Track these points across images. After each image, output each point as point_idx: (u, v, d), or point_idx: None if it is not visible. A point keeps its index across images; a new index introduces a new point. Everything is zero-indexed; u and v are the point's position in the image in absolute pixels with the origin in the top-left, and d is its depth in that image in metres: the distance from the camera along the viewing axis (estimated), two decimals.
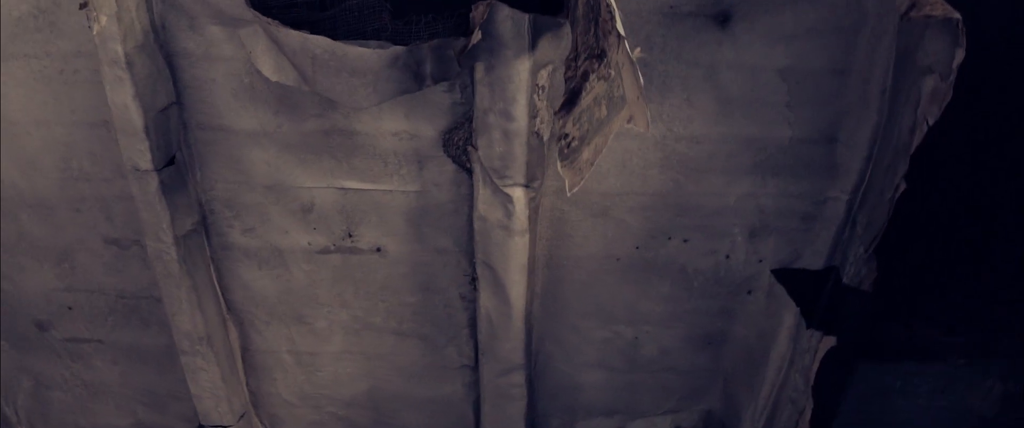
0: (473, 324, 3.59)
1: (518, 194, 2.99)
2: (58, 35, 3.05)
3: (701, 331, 3.63)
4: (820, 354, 3.11)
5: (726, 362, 3.72)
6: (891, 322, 3.45)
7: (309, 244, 3.42)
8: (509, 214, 3.04)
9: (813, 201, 3.21)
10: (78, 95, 3.15)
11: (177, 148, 3.18)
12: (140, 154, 3.03)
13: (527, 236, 3.11)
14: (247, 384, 3.96)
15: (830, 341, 3.04)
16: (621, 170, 3.15)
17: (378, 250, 3.42)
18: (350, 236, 3.39)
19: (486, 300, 3.32)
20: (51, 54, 3.09)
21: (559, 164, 2.73)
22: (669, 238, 3.34)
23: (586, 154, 2.51)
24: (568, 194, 2.65)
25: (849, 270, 3.22)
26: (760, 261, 3.39)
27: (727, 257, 3.38)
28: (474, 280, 3.37)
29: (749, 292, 3.49)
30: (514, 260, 3.16)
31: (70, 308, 3.76)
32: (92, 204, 3.41)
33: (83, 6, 2.73)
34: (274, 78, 2.86)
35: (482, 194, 3.03)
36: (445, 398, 3.92)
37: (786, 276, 3.37)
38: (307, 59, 2.68)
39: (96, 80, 3.02)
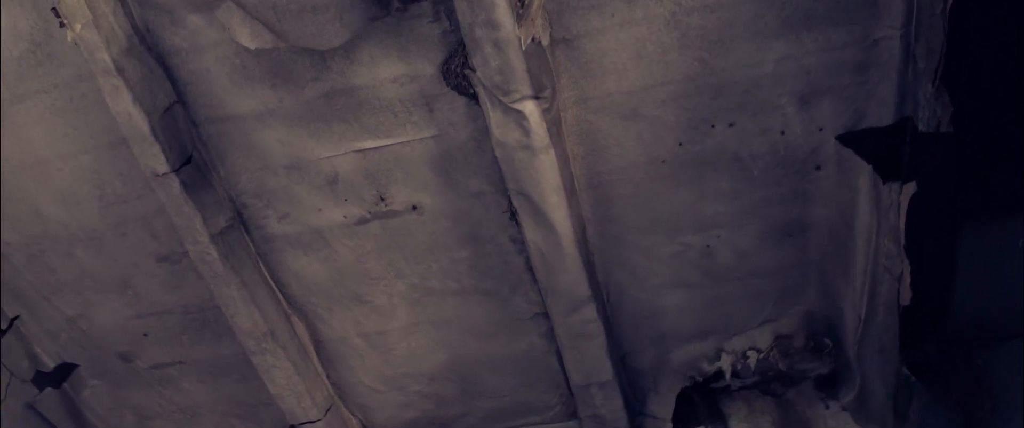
0: (531, 267, 3.39)
1: (529, 108, 2.78)
2: (58, 64, 3.09)
3: (776, 223, 3.29)
4: (904, 207, 2.73)
5: (812, 252, 3.35)
6: (990, 168, 3.01)
7: (345, 217, 3.32)
8: (526, 131, 2.83)
9: (861, 47, 2.83)
10: (91, 119, 3.18)
11: (192, 148, 3.15)
12: (154, 158, 3.02)
13: (552, 152, 2.89)
14: (328, 378, 3.92)
15: (911, 188, 2.66)
16: (638, 62, 2.89)
17: (414, 208, 3.29)
18: (382, 200, 3.28)
19: (531, 233, 3.12)
20: (57, 85, 3.14)
21: (518, 28, 2.51)
22: (712, 126, 3.04)
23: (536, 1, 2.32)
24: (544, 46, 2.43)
25: (922, 114, 2.82)
26: (820, 130, 3.03)
27: (782, 133, 3.05)
28: (514, 215, 3.17)
29: (817, 168, 3.13)
30: (546, 181, 2.95)
31: (145, 334, 3.82)
32: (134, 225, 3.44)
33: (54, 10, 2.74)
34: (253, 45, 2.78)
35: (494, 117, 2.84)
36: (525, 353, 3.74)
37: (854, 140, 3.00)
38: (271, 12, 2.59)
39: (102, 98, 3.03)
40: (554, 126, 2.90)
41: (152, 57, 2.98)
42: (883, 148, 2.98)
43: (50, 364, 3.93)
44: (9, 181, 3.40)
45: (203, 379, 3.98)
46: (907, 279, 2.79)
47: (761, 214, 3.28)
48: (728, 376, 3.72)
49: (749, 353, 3.66)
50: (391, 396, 3.95)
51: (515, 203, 3.07)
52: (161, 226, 3.42)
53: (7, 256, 3.63)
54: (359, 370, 3.86)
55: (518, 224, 3.16)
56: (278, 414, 4.00)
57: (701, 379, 3.78)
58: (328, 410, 3.83)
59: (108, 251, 3.53)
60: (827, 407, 3.75)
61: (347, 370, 3.87)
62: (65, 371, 3.98)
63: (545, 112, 2.81)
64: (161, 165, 3.03)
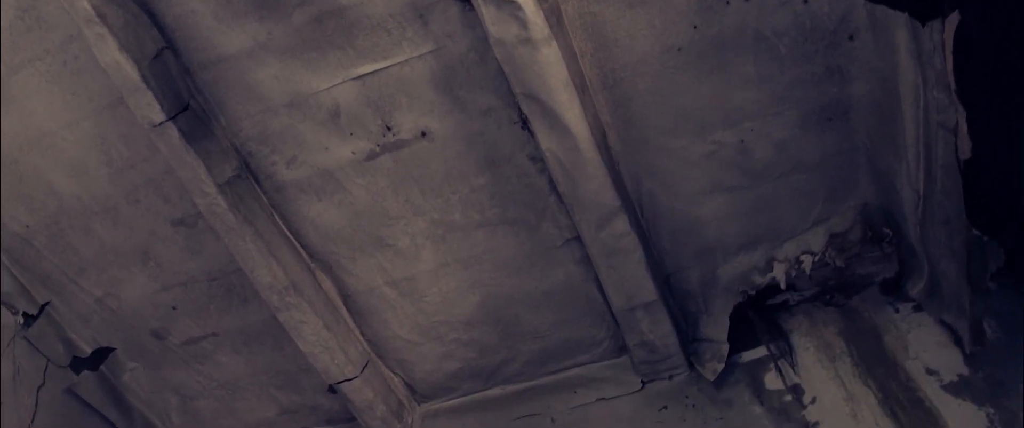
0: (555, 185, 3.18)
1: None
2: (47, 28, 3.02)
3: (813, 107, 3.01)
4: (950, 46, 2.42)
5: (858, 135, 3.06)
6: None
7: (353, 153, 3.17)
8: (523, 23, 2.63)
9: None
10: (87, 81, 3.11)
11: (188, 96, 3.04)
12: (149, 107, 2.91)
13: (554, 44, 2.68)
14: (362, 335, 3.76)
15: (954, 20, 2.35)
16: None
17: (423, 135, 3.11)
18: (388, 129, 3.11)
19: (545, 140, 2.90)
20: (49, 51, 3.07)
21: None
22: (726, 2, 2.79)
23: None
24: None
25: None
26: None
27: (805, 1, 2.77)
28: (525, 123, 2.96)
29: (850, 37, 2.84)
30: (553, 77, 2.73)
31: (174, 308, 3.73)
32: (145, 190, 3.36)
33: None
34: None
35: (487, 14, 2.65)
36: (562, 284, 3.52)
37: None
38: None
39: (93, 57, 2.94)
40: (553, 16, 2.69)
41: (134, 3, 2.88)
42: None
43: (87, 349, 3.88)
44: (21, 161, 3.36)
45: (237, 350, 3.87)
46: (963, 127, 2.48)
47: (795, 98, 3.00)
48: (783, 285, 3.44)
49: (803, 258, 3.37)
50: (429, 348, 3.77)
51: (524, 109, 2.86)
52: (171, 187, 3.33)
53: (29, 240, 3.60)
54: (393, 322, 3.70)
55: (531, 133, 2.95)
56: (317, 379, 3.88)
57: (754, 293, 3.50)
58: (365, 366, 3.67)
59: (124, 221, 3.46)
60: (897, 311, 3.42)
61: (380, 324, 3.71)
62: (102, 355, 3.92)
63: (541, 1, 2.61)
64: (156, 114, 2.92)
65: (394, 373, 3.91)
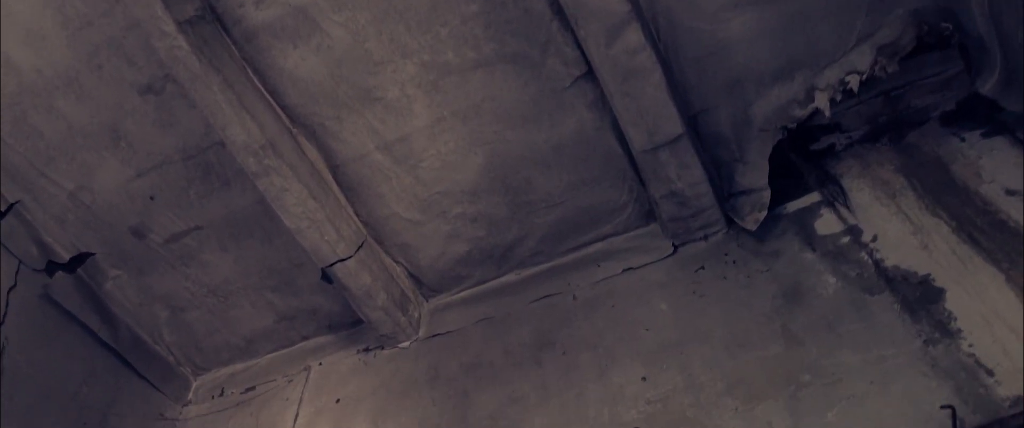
0: (558, 8, 2.73)
1: None
2: None
3: None
4: None
5: None
6: None
7: None
8: None
9: None
10: None
11: None
12: None
13: None
14: (357, 215, 3.32)
15: None
16: None
17: None
18: None
19: None
20: None
21: None
22: None
23: None
24: None
25: None
26: None
27: None
28: None
29: None
30: None
31: (152, 197, 3.33)
32: (107, 53, 2.97)
33: None
34: None
35: None
36: (573, 135, 3.04)
37: None
38: None
39: None
40: None
41: None
42: None
43: (64, 255, 3.49)
44: None
45: (225, 246, 3.45)
46: None
47: None
48: (827, 114, 2.91)
49: (848, 78, 2.85)
50: (433, 227, 3.31)
51: None
52: (134, 45, 2.94)
53: None
54: (389, 197, 3.25)
55: None
56: (312, 274, 3.44)
57: (795, 128, 2.99)
58: (360, 246, 3.23)
59: (89, 94, 3.07)
60: (962, 140, 2.90)
61: (375, 200, 3.26)
62: (81, 261, 3.53)
63: None
64: None
65: (396, 262, 3.45)
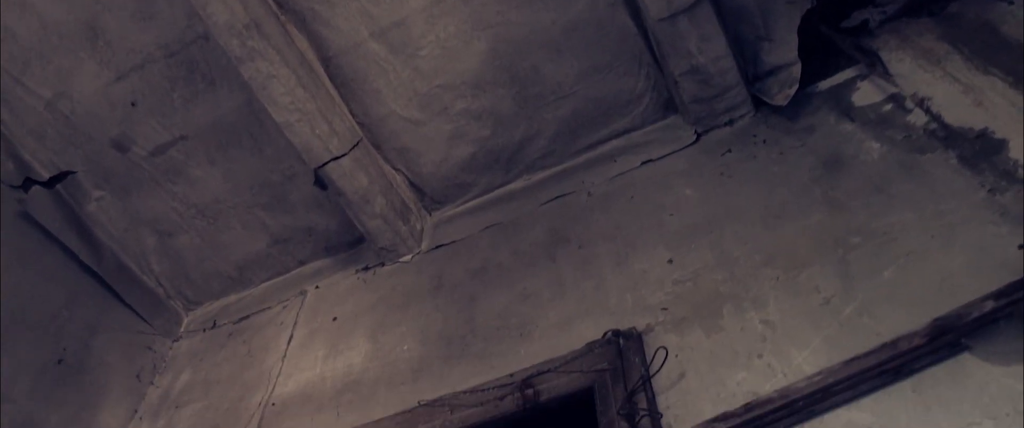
0: None
1: None
2: None
3: None
4: None
5: None
6: None
7: None
8: None
9: None
10: None
11: None
12: None
13: None
14: (353, 116, 3.02)
15: None
16: None
17: None
18: None
19: None
20: None
21: None
22: None
23: None
24: None
25: None
26: None
27: None
28: None
29: None
30: None
31: (133, 104, 3.04)
32: None
33: None
34: None
35: None
36: (584, 14, 2.74)
37: None
38: None
39: None
40: None
41: None
42: None
43: (44, 173, 3.20)
44: None
45: (212, 158, 3.16)
46: None
47: None
48: None
49: None
50: (434, 127, 3.01)
51: None
52: None
53: None
54: (386, 94, 2.95)
55: None
56: (305, 185, 3.14)
57: None
58: (355, 144, 2.93)
59: None
60: (1010, 2, 2.58)
61: (371, 96, 2.97)
62: (61, 180, 3.24)
63: None
64: None
65: (396, 169, 3.15)
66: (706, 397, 1.95)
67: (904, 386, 1.74)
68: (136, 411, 3.20)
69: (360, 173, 2.90)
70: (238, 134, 3.07)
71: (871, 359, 1.79)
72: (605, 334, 2.22)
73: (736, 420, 1.83)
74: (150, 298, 3.46)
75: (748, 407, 1.84)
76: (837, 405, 1.78)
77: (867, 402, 1.76)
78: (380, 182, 3.00)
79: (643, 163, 2.86)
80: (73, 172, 3.24)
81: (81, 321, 3.16)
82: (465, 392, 2.32)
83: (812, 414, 1.79)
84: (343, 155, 2.85)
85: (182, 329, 3.55)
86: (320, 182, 2.96)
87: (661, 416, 1.95)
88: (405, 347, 2.69)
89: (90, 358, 3.15)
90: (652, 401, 1.99)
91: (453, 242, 3.05)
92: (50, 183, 3.21)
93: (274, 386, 2.88)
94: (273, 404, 2.79)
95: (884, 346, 1.80)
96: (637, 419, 1.94)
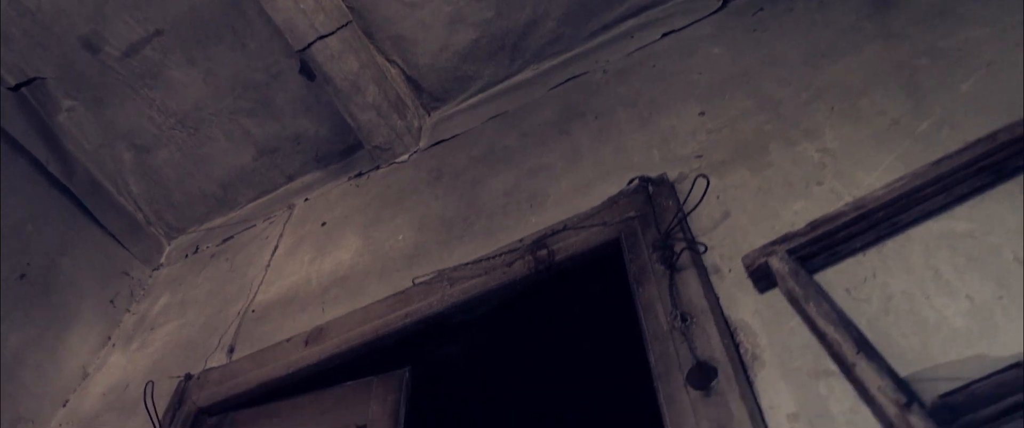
0: None
1: None
2: None
3: None
4: None
5: None
6: None
7: None
8: None
9: None
10: None
11: None
12: None
13: None
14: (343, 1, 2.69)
15: None
16: None
17: None
18: None
19: None
20: None
21: None
22: None
23: None
24: None
25: None
26: None
27: None
28: None
29: None
30: None
31: None
32: None
33: None
34: None
35: None
36: None
37: None
38: None
39: None
40: None
41: None
42: None
43: (10, 79, 2.87)
44: None
45: (192, 58, 2.81)
46: None
47: None
48: None
49: None
50: (431, 9, 2.65)
51: None
52: None
53: None
54: None
55: None
56: (292, 85, 2.79)
57: None
58: (344, 25, 2.58)
59: None
60: None
61: None
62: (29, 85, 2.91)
63: None
64: None
65: (390, 61, 2.80)
66: (757, 231, 1.57)
67: (1008, 188, 1.37)
68: (109, 338, 2.84)
69: (350, 56, 2.55)
70: (218, 28, 2.73)
71: (966, 156, 1.41)
72: (630, 182, 1.85)
73: (800, 239, 1.45)
74: (128, 222, 3.10)
75: (813, 225, 1.47)
76: (926, 215, 1.40)
77: (962, 209, 1.38)
78: (372, 69, 2.64)
79: (664, 35, 2.50)
80: (42, 78, 2.91)
81: (49, 237, 2.81)
82: (466, 264, 1.95)
83: (895, 227, 1.41)
84: (330, 33, 2.50)
85: (164, 258, 3.19)
86: (306, 71, 2.62)
87: (705, 249, 1.58)
88: (400, 237, 2.32)
89: (58, 277, 2.79)
90: (692, 241, 1.61)
91: (455, 136, 2.70)
92: (16, 88, 2.88)
93: (255, 294, 2.51)
94: (253, 311, 2.42)
95: (980, 141, 1.43)
96: (676, 256, 1.56)
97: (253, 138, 2.97)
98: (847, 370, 1.18)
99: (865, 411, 1.19)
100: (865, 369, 1.13)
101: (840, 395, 1.23)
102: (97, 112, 2.96)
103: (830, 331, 1.23)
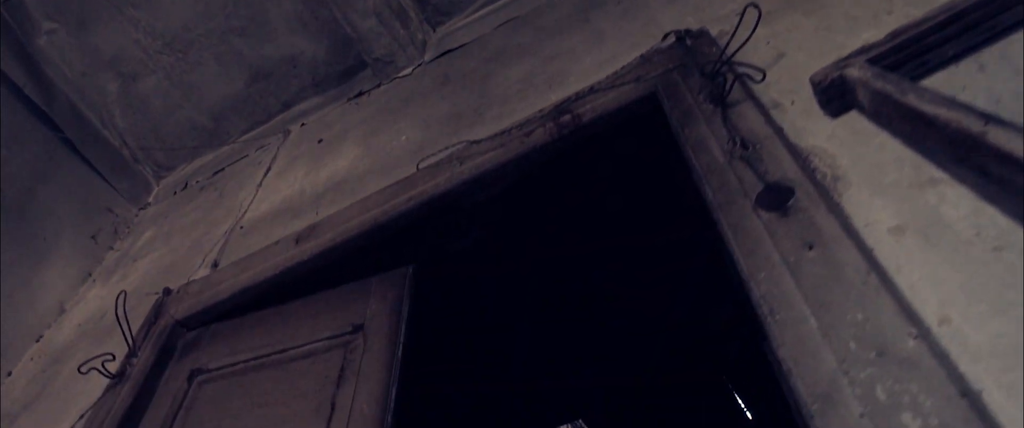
0: None
1: None
2: None
3: None
4: None
5: None
6: None
7: None
8: None
9: None
10: None
11: None
12: None
13: None
14: None
15: None
16: None
17: None
18: None
19: None
20: None
21: None
22: None
23: None
24: None
25: None
26: None
27: None
28: None
29: None
30: None
31: None
32: None
33: None
34: None
35: None
36: None
37: None
38: None
39: None
40: None
41: None
42: None
43: None
44: None
45: None
46: None
47: None
48: None
49: None
50: None
51: None
52: None
53: None
54: None
55: None
56: (285, 3, 2.54)
57: None
58: None
59: None
60: None
61: None
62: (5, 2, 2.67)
63: None
64: None
65: None
66: (817, 66, 1.31)
67: None
68: (90, 274, 2.57)
69: None
70: None
71: None
72: (665, 37, 1.59)
73: (881, 48, 1.19)
74: (113, 157, 2.84)
75: (894, 34, 1.20)
76: None
77: None
78: None
79: None
80: None
81: (25, 164, 2.55)
82: (478, 141, 1.69)
83: (993, 33, 1.15)
84: None
85: (152, 198, 2.93)
86: None
87: (764, 76, 1.31)
88: (403, 138, 2.06)
89: (34, 206, 2.52)
90: (745, 73, 1.34)
91: (462, 45, 2.44)
92: None
93: (245, 213, 2.24)
94: (242, 227, 2.16)
95: None
96: (728, 88, 1.30)
97: (246, 61, 2.72)
98: (973, 147, 0.91)
99: (990, 211, 0.92)
100: (999, 135, 0.87)
101: (954, 200, 0.96)
102: (79, 37, 2.71)
103: (942, 112, 0.96)
